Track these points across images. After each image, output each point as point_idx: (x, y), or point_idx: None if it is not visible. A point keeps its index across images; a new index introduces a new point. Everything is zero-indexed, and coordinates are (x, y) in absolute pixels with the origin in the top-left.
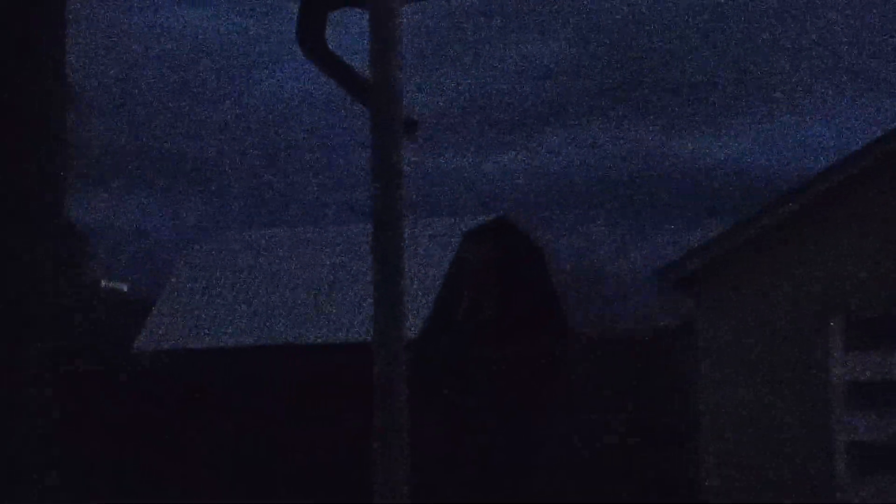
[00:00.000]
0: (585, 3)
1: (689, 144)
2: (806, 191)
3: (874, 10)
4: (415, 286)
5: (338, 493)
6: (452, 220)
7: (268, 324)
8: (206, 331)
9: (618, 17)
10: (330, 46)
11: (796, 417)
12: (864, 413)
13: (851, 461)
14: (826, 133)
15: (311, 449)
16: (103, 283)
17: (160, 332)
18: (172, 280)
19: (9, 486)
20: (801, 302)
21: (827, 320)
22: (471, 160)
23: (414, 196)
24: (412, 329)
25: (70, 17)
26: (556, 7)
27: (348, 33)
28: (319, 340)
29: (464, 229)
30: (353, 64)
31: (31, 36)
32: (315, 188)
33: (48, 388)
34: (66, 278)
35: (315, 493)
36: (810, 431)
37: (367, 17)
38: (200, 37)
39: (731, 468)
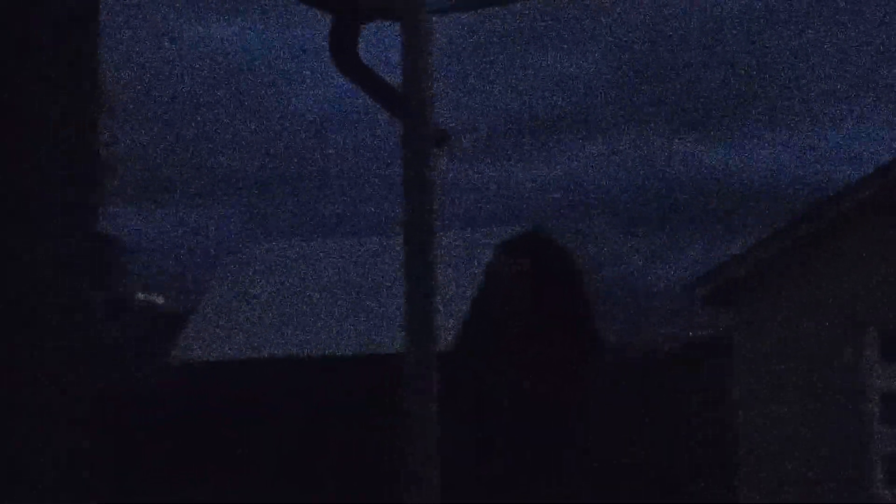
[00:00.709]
0: (618, 16)
1: (721, 156)
2: (841, 201)
3: None
4: (447, 298)
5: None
6: (484, 231)
7: (302, 335)
8: (242, 342)
9: (650, 28)
10: (363, 59)
11: (833, 430)
12: None
13: (890, 474)
14: (858, 143)
15: (345, 460)
16: (139, 295)
17: (196, 343)
18: (209, 292)
19: (7, 486)
20: (836, 313)
21: (862, 332)
22: (503, 172)
23: (446, 208)
24: (444, 341)
25: (106, 24)
26: (587, 20)
27: (381, 46)
28: (353, 352)
29: (496, 241)
30: (385, 76)
31: (61, 35)
32: (349, 200)
33: (65, 395)
34: (92, 286)
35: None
36: (847, 444)
37: (399, 29)
38: (237, 49)
39: (768, 482)
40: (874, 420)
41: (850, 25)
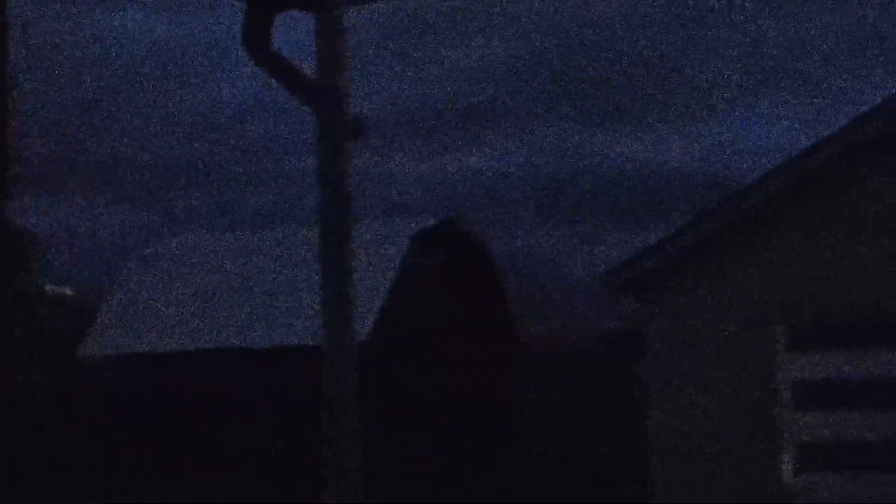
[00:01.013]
0: (529, 6)
1: (638, 147)
2: (751, 194)
3: (811, 14)
4: (363, 289)
5: (287, 497)
6: (401, 222)
7: (215, 328)
8: (152, 335)
9: (561, 19)
10: (276, 49)
11: (743, 420)
12: (811, 414)
13: (799, 462)
14: (767, 136)
15: (261, 454)
16: (48, 287)
17: (105, 337)
18: (118, 285)
19: None
20: (749, 305)
21: (772, 322)
22: (417, 162)
23: (361, 199)
24: (360, 332)
25: (11, 20)
26: (499, 10)
27: (295, 37)
28: (267, 344)
29: (412, 232)
30: (300, 67)
31: None
32: (263, 192)
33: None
34: (6, 281)
35: (262, 497)
36: (758, 433)
37: (313, 20)
38: (145, 40)
39: (679, 471)
40: (785, 409)
41: (760, 19)
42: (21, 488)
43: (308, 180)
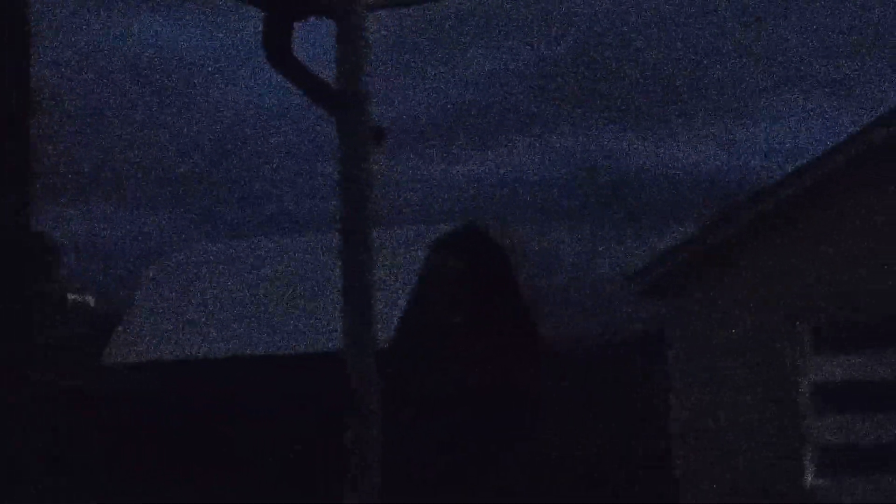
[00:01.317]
0: (551, 12)
1: (656, 150)
2: (772, 196)
3: (835, 16)
4: (385, 294)
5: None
6: (421, 228)
7: (238, 335)
8: (175, 343)
9: (583, 24)
10: (297, 56)
11: (765, 421)
12: (832, 416)
13: (820, 464)
14: (791, 136)
15: (282, 460)
16: (70, 296)
17: (128, 344)
18: (140, 292)
19: None
20: (770, 306)
21: (794, 324)
22: (440, 168)
23: (383, 204)
24: (382, 338)
25: (36, 25)
26: (521, 16)
27: (316, 43)
28: (289, 351)
29: (433, 237)
30: (320, 74)
31: None
32: (285, 198)
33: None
34: (29, 288)
35: (283, 502)
36: (780, 435)
37: (334, 27)
38: (169, 46)
39: (701, 472)
40: (807, 411)
41: (781, 20)
42: (38, 495)
43: (328, 186)
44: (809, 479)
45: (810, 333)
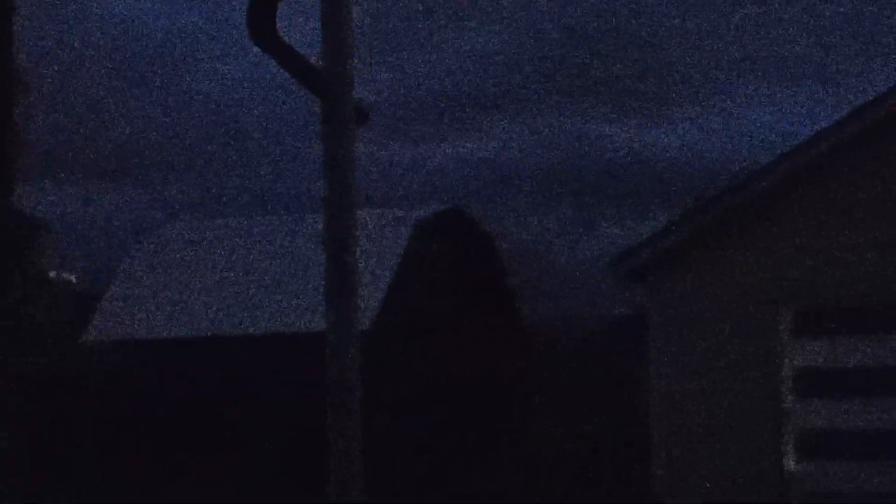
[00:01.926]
0: None
1: (638, 133)
2: (754, 181)
3: (822, 2)
4: (366, 277)
5: (290, 485)
6: (404, 210)
7: (218, 314)
8: (157, 322)
9: (563, 5)
10: (281, 34)
11: (747, 405)
12: (813, 401)
13: (801, 448)
14: (772, 121)
15: (264, 441)
16: (52, 274)
17: (109, 323)
18: (121, 271)
19: None
20: (751, 291)
21: (775, 308)
22: (422, 150)
23: (365, 187)
24: (364, 321)
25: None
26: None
27: (300, 21)
28: (270, 331)
29: (415, 220)
30: (304, 53)
31: None
32: (267, 178)
33: None
34: (16, 268)
35: (266, 486)
36: (761, 419)
37: (317, 5)
38: (149, 25)
39: (681, 457)
40: (788, 396)
41: (760, 4)
42: (20, 479)
43: (312, 166)
44: (791, 463)
45: (791, 318)
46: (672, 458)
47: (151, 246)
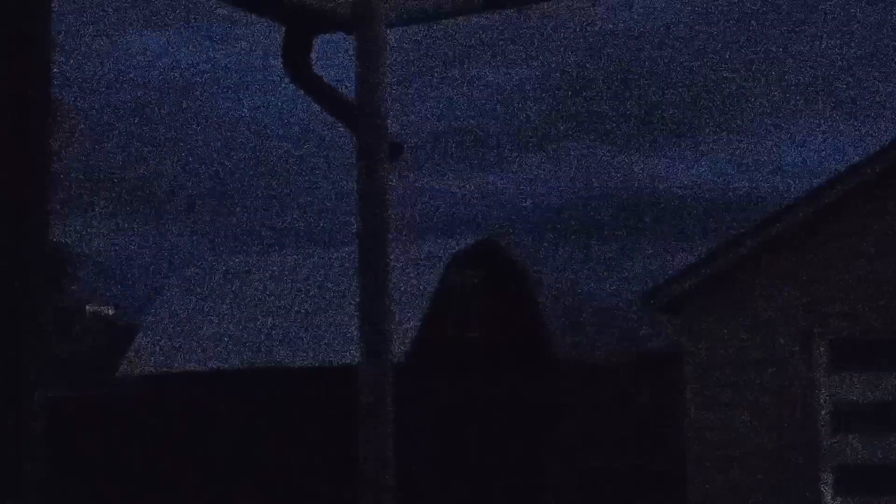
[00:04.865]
0: (567, 32)
1: (671, 167)
2: (790, 214)
3: (849, 36)
4: (401, 309)
5: None
6: (438, 243)
7: (254, 347)
8: (192, 354)
9: (597, 44)
10: (316, 71)
11: (782, 440)
12: (851, 435)
13: (839, 483)
14: (804, 156)
15: (298, 473)
16: (89, 307)
17: (145, 355)
18: (157, 304)
19: None
20: (786, 324)
21: (811, 342)
22: (455, 183)
23: (401, 219)
24: (398, 352)
25: (57, 37)
26: (536, 34)
27: (335, 57)
28: (305, 363)
29: (450, 252)
30: (339, 88)
31: (12, 48)
32: (301, 212)
33: (13, 405)
34: (46, 299)
35: None
36: (797, 454)
37: (349, 40)
38: (185, 61)
39: (717, 491)
40: (824, 429)
41: (799, 39)
42: None
43: (344, 201)
44: (828, 499)
45: (827, 351)
46: (708, 493)
47: (188, 279)
